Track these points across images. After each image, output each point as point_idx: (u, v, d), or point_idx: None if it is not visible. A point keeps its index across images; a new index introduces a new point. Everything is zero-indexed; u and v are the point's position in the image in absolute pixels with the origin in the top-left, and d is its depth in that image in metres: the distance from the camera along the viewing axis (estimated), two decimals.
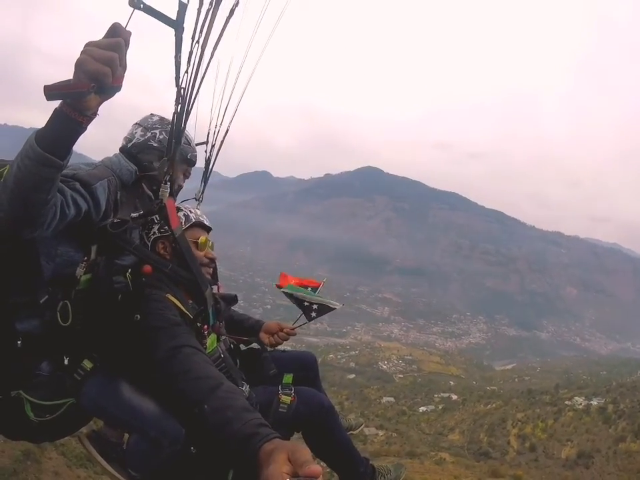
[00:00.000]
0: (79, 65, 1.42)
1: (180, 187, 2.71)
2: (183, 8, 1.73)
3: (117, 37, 1.45)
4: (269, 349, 3.08)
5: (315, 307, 3.17)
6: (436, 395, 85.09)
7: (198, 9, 1.81)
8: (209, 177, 3.33)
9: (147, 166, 2.48)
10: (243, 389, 2.46)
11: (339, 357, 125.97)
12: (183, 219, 2.55)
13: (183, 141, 2.48)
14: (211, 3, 1.82)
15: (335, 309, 3.20)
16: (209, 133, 3.11)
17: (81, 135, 1.60)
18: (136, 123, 2.61)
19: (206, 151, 3.16)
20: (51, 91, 1.42)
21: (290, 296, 3.19)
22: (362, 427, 3.52)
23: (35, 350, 2.11)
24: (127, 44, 1.47)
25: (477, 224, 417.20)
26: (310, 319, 3.19)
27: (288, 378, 2.84)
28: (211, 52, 1.95)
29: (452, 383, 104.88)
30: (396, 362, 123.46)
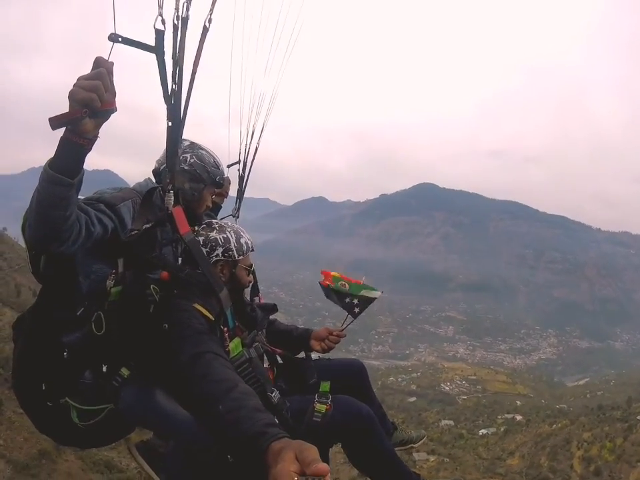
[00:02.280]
0: (70, 96, 1.68)
1: (208, 207, 2.91)
2: (160, 34, 1.92)
3: (99, 68, 1.69)
4: (319, 356, 3.12)
5: (355, 301, 3.17)
6: (499, 417, 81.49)
7: (173, 33, 1.98)
8: (243, 193, 3.56)
9: (178, 186, 2.59)
10: (272, 395, 2.42)
11: (399, 379, 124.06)
12: (245, 246, 2.68)
13: (212, 165, 2.76)
14: (180, 25, 1.98)
15: (376, 298, 3.20)
16: (240, 152, 3.37)
17: (86, 154, 1.83)
18: None
19: (239, 170, 3.43)
20: (53, 121, 1.65)
21: (331, 296, 3.24)
22: (424, 439, 3.37)
23: (78, 360, 2.31)
24: (109, 72, 1.71)
25: (540, 231, 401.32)
26: (355, 315, 3.18)
27: (325, 386, 2.82)
28: (192, 69, 2.09)
29: (518, 402, 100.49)
30: (459, 383, 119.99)
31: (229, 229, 2.69)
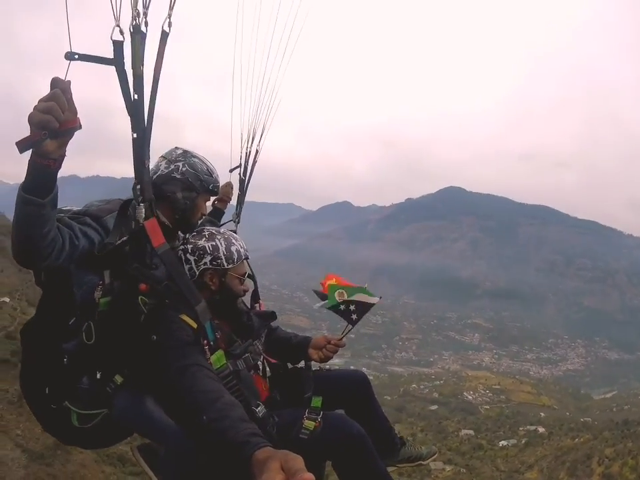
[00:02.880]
0: (29, 120, 1.71)
1: (203, 215, 2.94)
2: (117, 45, 1.92)
3: (54, 89, 1.71)
4: (320, 366, 3.06)
5: (352, 307, 3.06)
6: (521, 428, 79.91)
7: (131, 42, 1.95)
8: (244, 197, 3.56)
9: (170, 196, 2.67)
10: (257, 409, 2.39)
11: (421, 387, 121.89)
12: (236, 254, 2.62)
13: (205, 173, 2.76)
14: (137, 33, 1.94)
15: (374, 304, 3.09)
16: (241, 155, 3.41)
17: (54, 174, 1.86)
18: (161, 156, 2.79)
19: (239, 173, 3.46)
20: (19, 146, 1.71)
21: (327, 304, 3.13)
22: (434, 456, 3.29)
23: (76, 366, 2.42)
24: (65, 92, 1.72)
25: (571, 237, 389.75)
26: (353, 322, 3.07)
27: (317, 401, 2.75)
28: (153, 77, 2.07)
29: (542, 414, 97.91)
30: (483, 392, 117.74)
31: (219, 237, 2.64)
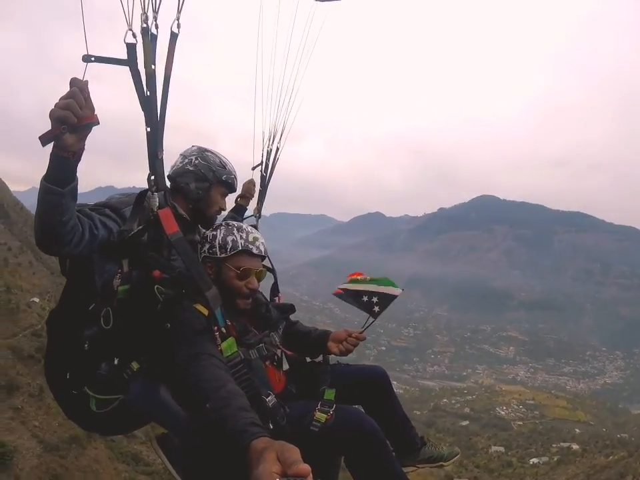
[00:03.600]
0: (50, 115, 1.89)
1: (221, 209, 2.98)
2: (131, 47, 2.08)
3: (73, 87, 1.89)
4: (338, 360, 3.00)
5: (374, 299, 2.92)
6: (554, 445, 77.93)
7: (143, 43, 2.12)
8: (265, 193, 3.61)
9: (184, 187, 2.80)
10: (267, 398, 2.34)
11: (453, 401, 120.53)
12: (230, 244, 2.57)
13: (217, 165, 2.86)
14: (143, 36, 2.10)
15: (396, 296, 2.92)
16: (262, 153, 3.50)
17: (73, 166, 2.03)
18: (180, 154, 2.92)
19: (261, 171, 3.54)
20: (41, 139, 1.89)
21: (347, 298, 3.03)
22: (456, 457, 3.12)
23: (96, 352, 2.48)
24: (82, 90, 1.89)
25: (608, 244, 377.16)
26: (375, 315, 2.91)
27: (330, 394, 2.67)
28: (164, 74, 2.20)
29: (577, 430, 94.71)
30: (516, 407, 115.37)
31: (222, 227, 2.66)
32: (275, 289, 3.12)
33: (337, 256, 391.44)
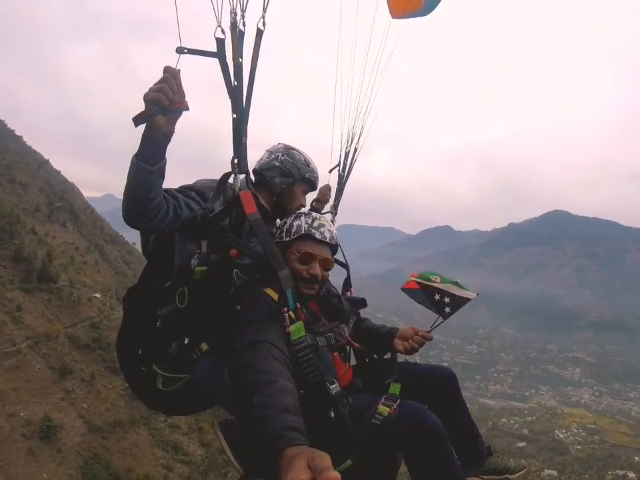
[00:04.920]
0: (144, 98, 2.04)
1: (302, 205, 3.04)
2: (220, 42, 2.25)
3: (166, 74, 2.05)
4: (406, 359, 2.93)
5: (447, 300, 2.81)
6: (610, 472, 76.00)
7: (232, 38, 2.29)
8: (342, 191, 3.70)
9: (269, 181, 2.91)
10: (331, 386, 2.28)
11: (511, 422, 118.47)
12: (295, 228, 2.61)
13: (302, 163, 2.97)
14: (232, 33, 2.27)
15: (470, 299, 2.80)
16: (340, 155, 3.62)
17: (163, 146, 2.16)
18: (266, 150, 3.05)
19: (339, 170, 3.66)
20: (135, 120, 2.05)
21: (417, 296, 2.91)
22: (523, 471, 2.94)
23: (168, 331, 2.53)
24: (174, 77, 2.05)
25: None
26: (445, 315, 2.80)
27: (395, 388, 2.59)
28: (250, 66, 2.37)
29: (637, 458, 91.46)
30: (575, 431, 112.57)
31: (297, 214, 2.72)
32: (347, 283, 3.17)
33: (403, 269, 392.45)
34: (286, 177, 2.93)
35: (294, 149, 3.02)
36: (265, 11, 2.32)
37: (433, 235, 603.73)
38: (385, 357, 2.93)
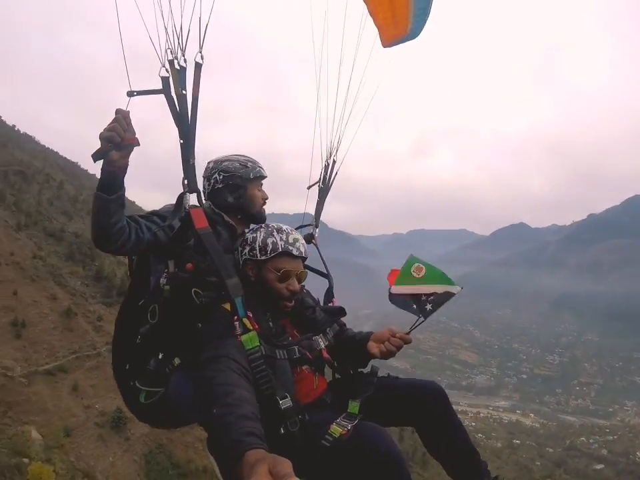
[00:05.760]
0: (99, 137, 2.30)
1: (264, 199, 3.15)
2: (164, 79, 2.55)
3: (117, 115, 2.30)
4: (389, 373, 2.81)
5: (430, 297, 2.67)
6: None
7: (173, 74, 2.55)
8: (322, 204, 3.59)
9: (224, 203, 2.99)
10: (281, 400, 2.21)
11: (590, 441, 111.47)
12: (271, 246, 2.59)
13: (239, 169, 3.00)
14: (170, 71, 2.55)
15: (454, 294, 2.66)
16: (322, 168, 3.55)
17: (120, 178, 2.41)
18: (203, 176, 3.08)
19: (319, 184, 3.56)
20: (93, 156, 2.31)
21: (398, 301, 2.81)
22: None
23: (146, 347, 2.68)
24: (125, 118, 2.32)
25: None
26: (426, 313, 2.69)
27: (354, 407, 2.43)
28: (192, 96, 2.59)
29: None
30: None
31: (262, 229, 2.68)
32: (329, 294, 3.16)
33: (478, 273, 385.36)
34: (235, 191, 2.99)
35: (224, 160, 3.04)
36: (201, 47, 2.58)
37: (508, 234, 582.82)
38: (365, 370, 2.78)
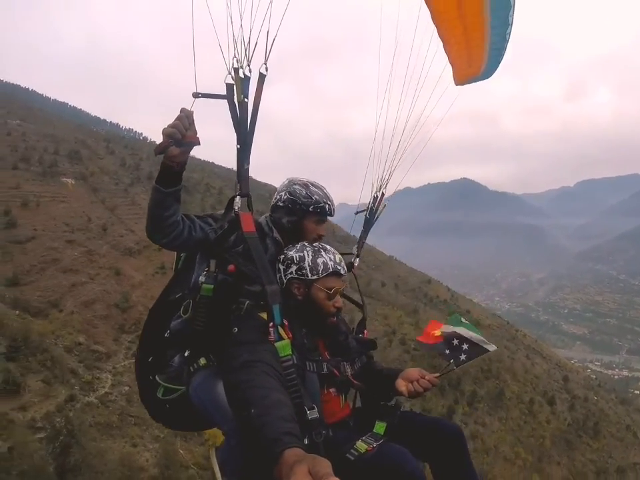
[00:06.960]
0: (162, 132, 2.35)
1: (319, 236, 2.94)
2: (229, 86, 2.58)
3: (181, 114, 2.37)
4: (411, 409, 2.83)
5: (465, 346, 2.70)
6: None
7: (240, 82, 2.58)
8: (367, 234, 3.64)
9: (278, 221, 2.94)
10: (308, 410, 2.22)
11: None
12: (322, 266, 2.61)
13: (303, 197, 2.88)
14: (236, 78, 2.58)
15: (489, 351, 2.68)
16: (370, 198, 3.56)
17: (178, 174, 2.47)
18: (278, 187, 3.12)
19: (366, 214, 3.58)
20: (155, 150, 2.40)
21: (433, 347, 2.82)
22: None
23: (174, 343, 2.73)
24: (188, 117, 2.38)
25: None
26: (458, 362, 2.70)
27: (380, 427, 2.53)
28: (253, 104, 2.62)
29: None
30: None
31: (309, 249, 2.69)
32: (362, 324, 3.19)
33: None
34: (291, 215, 2.91)
35: (296, 183, 2.95)
36: (266, 60, 2.62)
37: None
38: (390, 402, 2.78)
